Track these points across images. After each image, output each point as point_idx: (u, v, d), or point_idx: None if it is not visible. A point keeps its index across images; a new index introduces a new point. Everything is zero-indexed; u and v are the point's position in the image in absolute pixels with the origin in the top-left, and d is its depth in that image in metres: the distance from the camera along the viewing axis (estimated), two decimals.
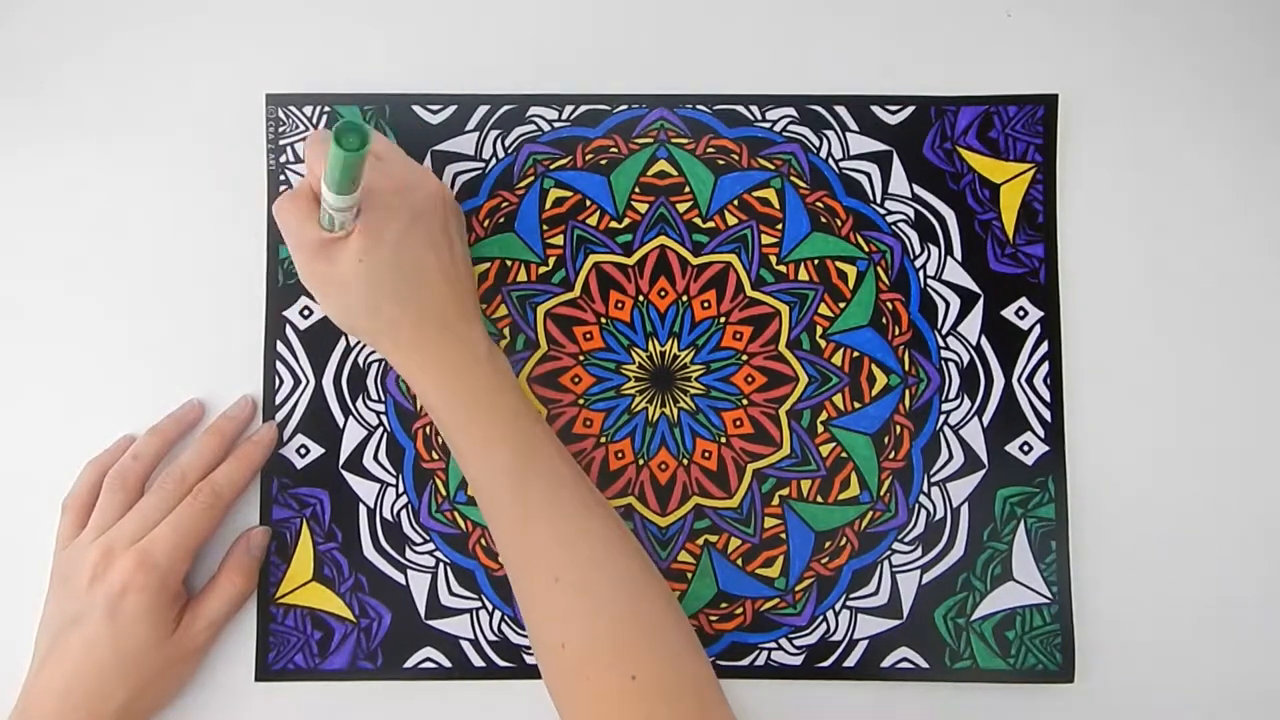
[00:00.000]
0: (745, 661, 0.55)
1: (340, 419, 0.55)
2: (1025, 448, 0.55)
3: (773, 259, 0.56)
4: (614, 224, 0.56)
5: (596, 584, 0.48)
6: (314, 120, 0.56)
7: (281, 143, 0.56)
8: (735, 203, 0.56)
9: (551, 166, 0.56)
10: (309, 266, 0.50)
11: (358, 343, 0.56)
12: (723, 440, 0.55)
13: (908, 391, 0.56)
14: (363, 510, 0.55)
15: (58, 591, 0.52)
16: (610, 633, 0.47)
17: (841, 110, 0.57)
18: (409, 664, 0.54)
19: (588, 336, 0.56)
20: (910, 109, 0.56)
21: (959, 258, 0.56)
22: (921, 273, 0.56)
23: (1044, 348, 0.55)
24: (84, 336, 0.56)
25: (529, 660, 0.54)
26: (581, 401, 0.55)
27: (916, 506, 0.55)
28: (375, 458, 0.55)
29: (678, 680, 0.47)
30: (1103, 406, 0.56)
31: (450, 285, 0.51)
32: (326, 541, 0.55)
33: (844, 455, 0.55)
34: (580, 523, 0.49)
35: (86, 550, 0.51)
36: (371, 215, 0.49)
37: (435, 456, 0.55)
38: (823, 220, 0.56)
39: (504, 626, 0.55)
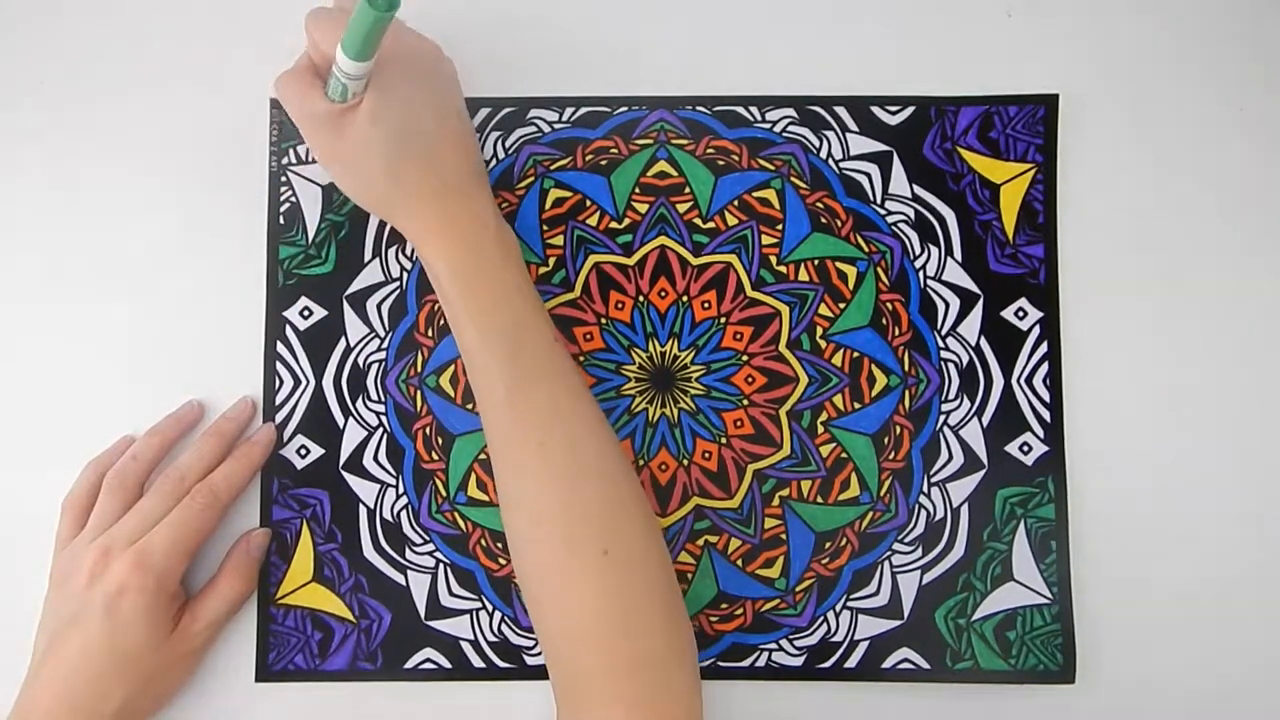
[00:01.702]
0: (746, 662, 0.54)
1: (340, 420, 0.55)
2: (1025, 448, 0.55)
3: (773, 259, 0.56)
4: (614, 224, 0.56)
5: (579, 457, 0.49)
6: None
7: (284, 145, 0.56)
8: (735, 203, 0.56)
9: (552, 167, 0.56)
10: (321, 140, 0.50)
11: (358, 343, 0.56)
12: (723, 441, 0.55)
13: (907, 392, 0.56)
14: (363, 511, 0.55)
15: (56, 592, 0.52)
16: (588, 506, 0.48)
17: (841, 111, 0.57)
18: (409, 665, 0.54)
19: (588, 337, 0.56)
20: (910, 109, 0.57)
21: (959, 258, 0.56)
22: (921, 273, 0.56)
23: (1043, 348, 0.55)
24: (84, 337, 0.56)
25: (529, 661, 0.54)
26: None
27: (916, 507, 0.55)
28: (375, 458, 0.55)
29: (646, 557, 0.49)
30: (1102, 406, 0.56)
31: (463, 149, 0.51)
32: (326, 542, 0.55)
33: (844, 456, 0.55)
34: (568, 398, 0.50)
35: (85, 550, 0.51)
36: (380, 81, 0.49)
37: (435, 457, 0.55)
38: (823, 221, 0.56)
39: (504, 627, 0.55)
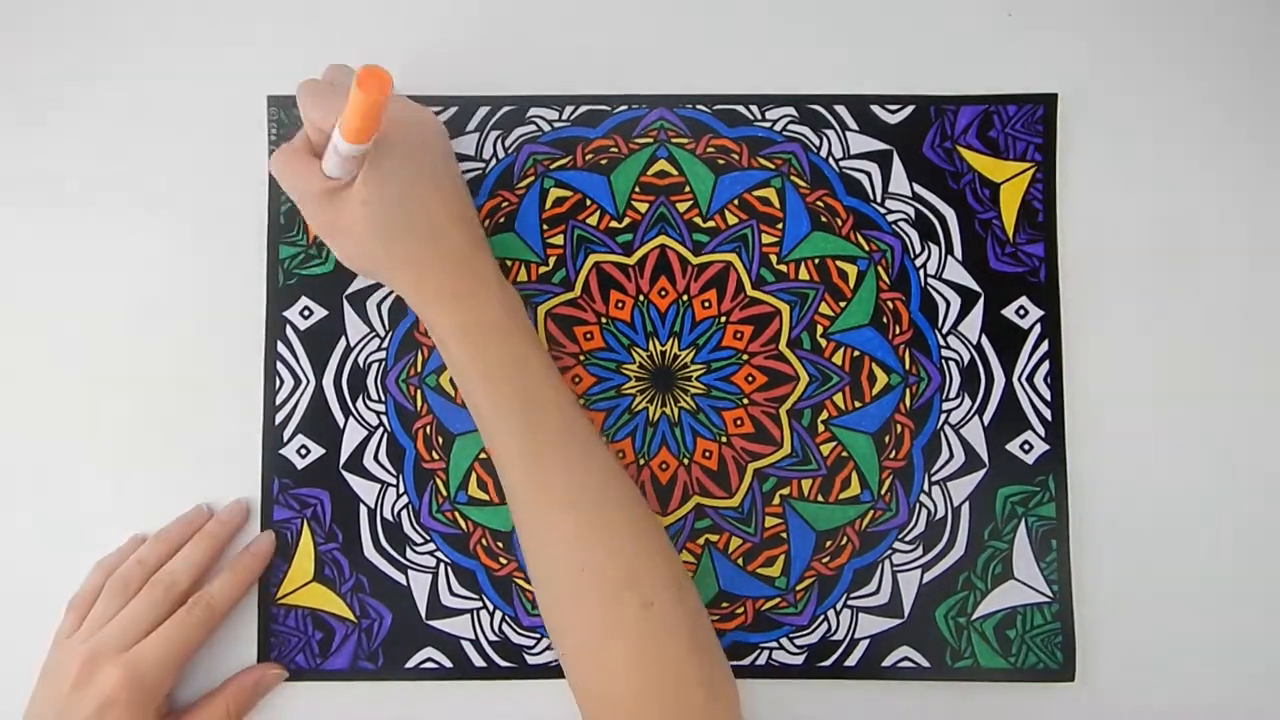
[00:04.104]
0: (746, 661, 0.54)
1: (340, 419, 0.55)
2: (1026, 446, 0.55)
3: (773, 258, 0.56)
4: (614, 224, 0.56)
5: (608, 511, 0.49)
6: None
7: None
8: (735, 202, 0.56)
9: (551, 166, 0.56)
10: (317, 215, 0.50)
11: (358, 342, 0.56)
12: (723, 440, 0.55)
13: (908, 391, 0.56)
14: (363, 510, 0.55)
15: (43, 688, 0.50)
16: (624, 558, 0.48)
17: (841, 110, 0.57)
18: (410, 664, 0.54)
19: (588, 336, 0.56)
20: (910, 108, 0.57)
21: (959, 257, 0.56)
22: (922, 272, 0.56)
23: (1044, 346, 0.56)
24: (83, 336, 0.56)
25: (530, 660, 0.54)
26: (582, 401, 0.55)
27: (917, 505, 0.55)
28: (375, 458, 0.55)
29: (685, 607, 0.48)
30: (1103, 405, 0.56)
31: (458, 215, 0.51)
32: (327, 542, 0.55)
33: (845, 454, 0.55)
34: (591, 453, 0.50)
35: (73, 652, 0.50)
36: (374, 155, 0.48)
37: (435, 456, 0.55)
38: (823, 219, 0.56)
39: (505, 626, 0.55)
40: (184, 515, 0.55)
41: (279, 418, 0.55)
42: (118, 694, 0.48)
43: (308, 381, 0.56)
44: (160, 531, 0.54)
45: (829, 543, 0.55)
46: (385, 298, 0.56)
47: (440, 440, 0.55)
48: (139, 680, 0.49)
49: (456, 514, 0.55)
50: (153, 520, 0.55)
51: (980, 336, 0.56)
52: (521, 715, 0.54)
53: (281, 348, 0.56)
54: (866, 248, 0.56)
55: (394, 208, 0.49)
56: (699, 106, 0.57)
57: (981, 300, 0.56)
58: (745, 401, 0.55)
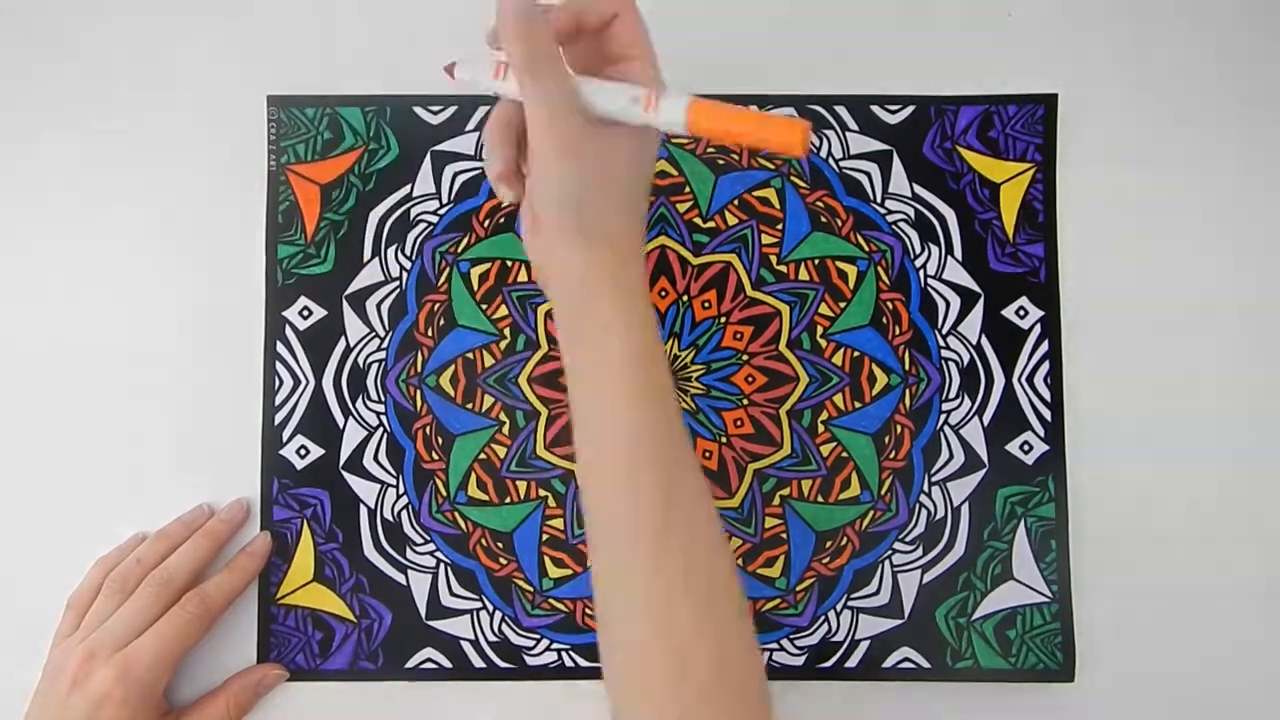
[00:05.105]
0: None
1: (340, 420, 0.55)
2: (1025, 447, 0.55)
3: (773, 259, 0.56)
4: None
5: (721, 600, 0.42)
6: (315, 122, 0.56)
7: (283, 144, 0.56)
8: (735, 202, 0.56)
9: None
10: (569, 132, 0.42)
11: (358, 342, 0.56)
12: (723, 440, 0.55)
13: (908, 391, 0.56)
14: (363, 511, 0.55)
15: (43, 689, 0.50)
16: (735, 658, 0.42)
17: (841, 110, 0.57)
18: (410, 664, 0.54)
19: None
20: (910, 108, 0.57)
21: (959, 257, 0.56)
22: (922, 272, 0.56)
23: (1044, 347, 0.55)
24: (83, 336, 0.56)
25: (530, 661, 0.54)
26: None
27: (917, 506, 0.55)
28: (375, 458, 0.55)
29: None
30: (1103, 406, 0.56)
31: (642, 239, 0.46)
32: (327, 542, 0.55)
33: (844, 455, 0.55)
34: (712, 526, 0.43)
35: (71, 651, 0.50)
36: (657, 134, 0.44)
37: (435, 457, 0.55)
38: (823, 220, 0.56)
39: (504, 627, 0.55)
40: (184, 514, 0.55)
41: (279, 418, 0.55)
42: (112, 691, 0.48)
43: (307, 382, 0.56)
44: (160, 530, 0.54)
45: (829, 543, 0.55)
46: (385, 298, 0.56)
47: (440, 440, 0.55)
48: (133, 677, 0.49)
49: (456, 514, 0.55)
50: (153, 520, 0.55)
51: (980, 337, 0.56)
52: (521, 715, 0.54)
53: (281, 348, 0.56)
54: (866, 248, 0.56)
55: (640, 186, 0.44)
56: None
57: (981, 300, 0.56)
58: (745, 402, 0.55)
